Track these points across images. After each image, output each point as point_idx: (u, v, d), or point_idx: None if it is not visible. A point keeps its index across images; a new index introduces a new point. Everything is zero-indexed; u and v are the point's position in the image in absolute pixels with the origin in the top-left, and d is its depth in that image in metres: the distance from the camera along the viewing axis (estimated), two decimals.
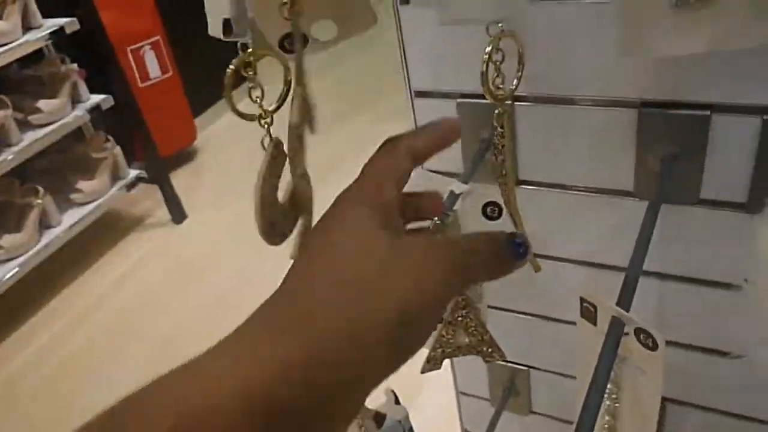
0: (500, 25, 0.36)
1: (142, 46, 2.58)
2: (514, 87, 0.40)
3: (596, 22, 0.55)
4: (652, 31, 0.45)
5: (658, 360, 0.42)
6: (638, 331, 0.42)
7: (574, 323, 0.73)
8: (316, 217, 0.33)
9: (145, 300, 2.22)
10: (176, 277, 2.30)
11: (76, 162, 2.32)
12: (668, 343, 0.66)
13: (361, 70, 3.08)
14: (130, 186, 2.41)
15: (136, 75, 2.58)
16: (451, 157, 0.67)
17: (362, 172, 0.32)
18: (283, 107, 0.38)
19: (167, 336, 2.04)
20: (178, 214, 2.54)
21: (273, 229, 0.38)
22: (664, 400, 0.71)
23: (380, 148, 0.33)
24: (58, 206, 2.20)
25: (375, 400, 0.48)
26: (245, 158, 2.98)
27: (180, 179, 2.64)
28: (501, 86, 0.40)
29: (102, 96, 2.26)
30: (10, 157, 1.98)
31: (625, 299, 0.45)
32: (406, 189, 0.34)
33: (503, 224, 0.56)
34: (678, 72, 0.54)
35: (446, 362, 0.59)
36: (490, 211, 0.57)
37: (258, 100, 0.35)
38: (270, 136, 0.36)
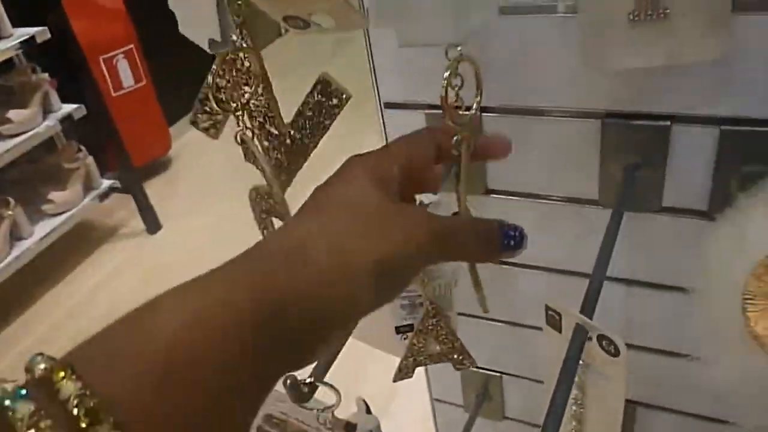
0: (459, 48, 0.36)
1: (116, 55, 2.56)
2: (473, 111, 0.39)
3: (561, 35, 0.56)
4: (611, 45, 0.46)
5: (620, 366, 0.43)
6: (601, 338, 0.43)
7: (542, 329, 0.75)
8: None
9: (119, 311, 2.18)
10: (150, 287, 2.27)
11: (48, 172, 2.28)
12: (634, 346, 0.68)
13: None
14: (103, 196, 2.38)
15: (109, 84, 2.56)
16: None
17: (386, 144, 0.36)
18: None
19: None
20: (152, 224, 2.52)
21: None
22: (632, 403, 0.72)
23: (417, 131, 0.37)
24: (30, 217, 2.16)
25: (345, 409, 0.49)
26: (220, 167, 2.98)
27: (155, 188, 2.61)
28: (461, 110, 0.40)
29: (74, 106, 2.24)
30: None
31: (589, 305, 0.46)
32: None
33: None
34: (640, 84, 0.56)
35: (419, 370, 0.59)
36: None
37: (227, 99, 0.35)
38: (243, 131, 0.37)
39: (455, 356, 0.64)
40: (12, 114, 2.08)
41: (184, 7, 0.35)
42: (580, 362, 0.44)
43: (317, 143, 0.43)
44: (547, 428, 0.38)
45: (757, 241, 0.41)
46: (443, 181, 0.64)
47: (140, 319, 0.26)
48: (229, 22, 0.34)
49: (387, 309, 0.61)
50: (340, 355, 0.48)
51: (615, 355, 0.42)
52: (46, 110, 2.19)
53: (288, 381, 0.42)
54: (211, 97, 0.35)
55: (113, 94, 2.56)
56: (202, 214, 2.59)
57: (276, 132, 0.39)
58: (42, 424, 0.19)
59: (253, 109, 0.38)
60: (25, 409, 0.19)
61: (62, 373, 0.21)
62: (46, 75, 2.18)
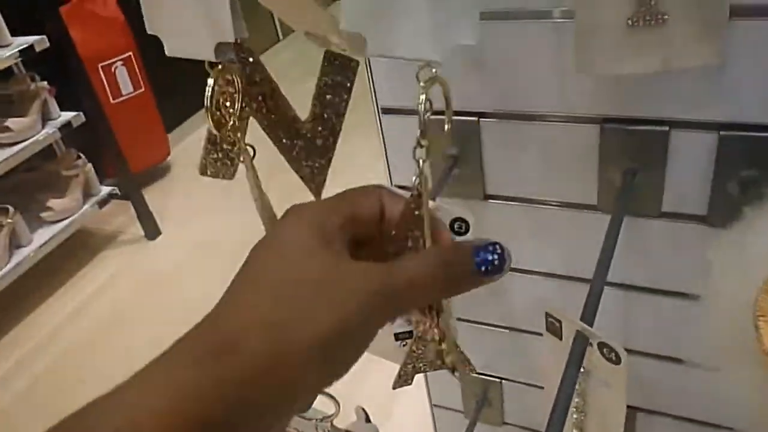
0: (434, 70, 0.32)
1: (114, 63, 2.56)
2: (447, 127, 0.36)
3: (558, 40, 0.56)
4: (607, 50, 0.46)
5: (621, 373, 0.42)
6: (601, 346, 0.43)
7: (540, 334, 0.74)
8: None
9: (119, 317, 2.19)
10: (149, 293, 2.28)
11: (47, 180, 2.28)
12: (633, 351, 0.67)
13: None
14: (103, 203, 2.38)
15: (108, 91, 2.56)
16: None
17: (334, 195, 0.33)
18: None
19: (139, 354, 2.00)
20: (151, 230, 2.52)
21: None
22: (632, 408, 0.72)
23: (368, 186, 0.33)
24: (29, 225, 2.16)
25: (345, 419, 0.48)
26: None
27: (153, 195, 2.61)
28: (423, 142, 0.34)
29: (73, 113, 2.24)
30: None
31: (589, 311, 0.46)
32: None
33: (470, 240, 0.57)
34: (638, 89, 0.56)
35: (419, 376, 0.59)
36: (458, 227, 0.58)
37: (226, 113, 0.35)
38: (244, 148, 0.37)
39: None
40: (11, 122, 2.08)
41: (168, 27, 0.35)
42: (581, 370, 0.44)
43: (341, 127, 0.42)
44: None
45: (765, 254, 0.41)
46: (443, 184, 0.64)
47: (77, 427, 0.25)
48: (237, 20, 0.33)
49: None
50: None
51: (616, 363, 0.42)
52: (45, 118, 2.20)
53: None
54: (210, 122, 0.35)
55: (112, 102, 2.57)
56: (201, 220, 2.59)
57: (297, 133, 0.39)
58: None
59: (262, 117, 0.38)
60: None
61: None
62: (45, 83, 2.18)
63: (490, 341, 0.78)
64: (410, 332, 0.62)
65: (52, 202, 2.23)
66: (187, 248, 2.46)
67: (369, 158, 1.43)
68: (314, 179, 0.45)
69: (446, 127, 0.35)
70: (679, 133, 0.55)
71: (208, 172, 0.44)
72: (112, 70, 2.57)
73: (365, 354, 0.59)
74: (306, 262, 0.28)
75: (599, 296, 0.47)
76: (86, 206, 2.32)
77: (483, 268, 0.30)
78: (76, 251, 2.44)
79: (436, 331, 0.48)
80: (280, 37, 4.09)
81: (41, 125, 2.17)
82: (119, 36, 2.58)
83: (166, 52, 0.35)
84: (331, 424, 0.46)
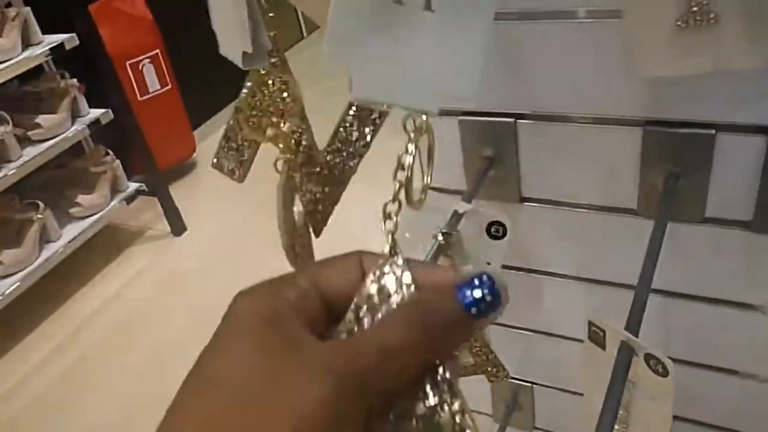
0: (424, 117, 0.28)
1: (142, 61, 2.58)
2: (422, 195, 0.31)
3: (599, 41, 0.55)
4: (656, 52, 0.45)
5: (668, 386, 0.41)
6: (648, 357, 0.41)
7: (576, 340, 0.73)
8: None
9: (145, 312, 2.21)
10: (176, 289, 2.30)
11: (76, 176, 2.31)
12: (674, 360, 0.66)
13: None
14: (130, 199, 2.40)
15: (135, 89, 2.58)
16: (454, 175, 0.67)
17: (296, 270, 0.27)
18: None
19: (165, 349, 2.03)
20: (177, 227, 2.54)
21: (293, 251, 0.38)
22: (677, 419, 0.70)
23: (346, 254, 0.28)
24: (58, 220, 2.19)
25: None
26: None
27: (179, 191, 2.63)
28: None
29: (101, 111, 2.26)
30: (10, 173, 1.98)
31: (634, 320, 0.45)
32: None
33: (508, 244, 0.56)
34: (683, 91, 0.54)
35: None
36: (494, 230, 0.57)
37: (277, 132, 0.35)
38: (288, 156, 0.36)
39: (489, 368, 0.63)
40: (41, 119, 2.11)
41: (223, 28, 0.34)
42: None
43: (357, 166, 0.41)
44: None
45: None
46: (479, 186, 0.63)
47: None
48: (259, 32, 0.33)
49: None
50: None
51: (663, 375, 0.41)
52: (75, 115, 2.22)
53: None
54: (242, 122, 0.35)
55: (139, 99, 2.59)
56: (227, 216, 2.61)
57: (312, 161, 0.39)
58: None
59: (288, 135, 0.37)
60: None
61: None
62: (75, 81, 2.21)
63: (523, 345, 0.77)
64: None
65: (81, 198, 2.26)
66: (213, 244, 2.48)
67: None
68: (318, 209, 0.43)
69: (428, 175, 0.30)
70: (725, 136, 0.54)
71: (224, 169, 0.43)
72: (140, 67, 2.59)
73: None
74: (251, 360, 0.23)
75: (644, 304, 0.46)
76: (114, 202, 2.35)
77: (473, 310, 0.24)
78: (103, 247, 2.47)
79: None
80: (304, 34, 4.10)
81: (71, 122, 2.20)
82: (147, 34, 2.60)
83: (220, 51, 0.35)
84: None
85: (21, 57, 2.01)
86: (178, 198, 2.53)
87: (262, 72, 0.35)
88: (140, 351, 2.05)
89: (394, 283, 0.26)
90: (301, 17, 3.97)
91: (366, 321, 0.25)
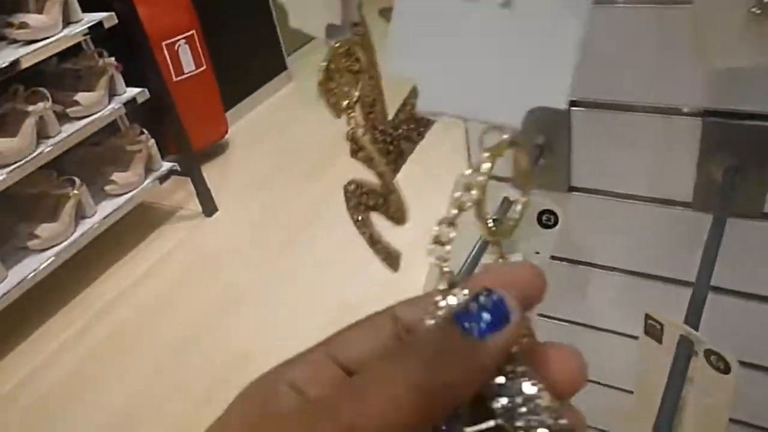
0: (505, 136, 0.23)
1: (177, 41, 2.60)
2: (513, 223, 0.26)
3: (660, 27, 0.53)
4: (728, 40, 0.43)
5: (728, 383, 0.40)
6: (708, 353, 0.40)
7: (622, 334, 0.72)
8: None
9: (175, 292, 2.24)
10: (206, 268, 2.32)
11: (111, 154, 2.34)
12: None
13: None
14: (163, 178, 2.43)
15: (171, 69, 2.60)
16: (504, 161, 0.66)
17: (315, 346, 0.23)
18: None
19: (194, 329, 2.06)
20: (209, 207, 2.56)
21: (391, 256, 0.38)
22: (732, 421, 0.69)
23: (376, 313, 0.24)
24: (93, 197, 2.23)
25: None
26: (275, 153, 3.00)
27: (211, 172, 2.66)
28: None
29: (137, 89, 2.28)
30: (48, 149, 2.01)
31: (692, 316, 0.43)
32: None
33: (559, 233, 0.55)
34: (745, 81, 0.52)
35: None
36: (546, 219, 0.56)
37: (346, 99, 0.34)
38: (355, 129, 0.35)
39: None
40: (79, 97, 2.14)
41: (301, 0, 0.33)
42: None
43: (412, 149, 0.41)
44: None
45: None
46: (532, 175, 0.62)
47: None
48: (348, 3, 0.32)
49: None
50: None
51: (724, 372, 0.40)
52: (111, 93, 2.25)
53: None
54: (321, 93, 0.34)
55: (174, 79, 2.61)
56: (257, 198, 2.63)
57: (380, 130, 0.38)
58: None
59: (364, 104, 0.36)
60: None
61: None
62: (113, 59, 2.23)
63: (566, 338, 0.76)
64: None
65: (116, 176, 2.29)
66: (243, 226, 2.50)
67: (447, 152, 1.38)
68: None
69: (519, 209, 0.25)
70: None
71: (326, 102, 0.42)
72: (176, 48, 2.61)
73: None
74: None
75: (703, 301, 0.44)
76: (147, 181, 2.38)
77: (477, 334, 0.20)
78: (136, 225, 2.50)
79: None
80: None
81: (108, 100, 2.22)
82: (183, 14, 2.61)
83: (289, 24, 0.34)
84: None
85: (61, 35, 2.04)
86: (209, 179, 2.55)
87: (342, 44, 0.34)
88: (169, 330, 2.08)
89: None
90: None
91: None
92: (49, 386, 1.94)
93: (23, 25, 1.96)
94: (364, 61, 0.34)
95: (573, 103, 0.60)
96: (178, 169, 2.47)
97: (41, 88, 2.04)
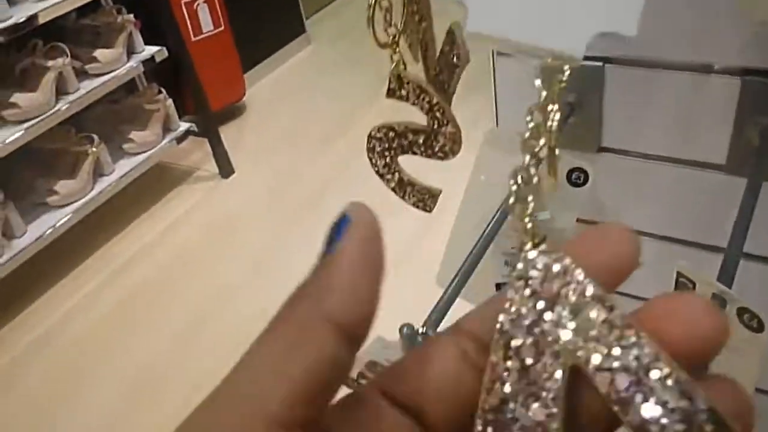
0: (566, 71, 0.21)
1: (197, 0, 2.57)
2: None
3: None
4: None
5: (761, 341, 0.40)
6: (742, 311, 0.40)
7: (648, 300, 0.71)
8: None
9: (191, 253, 2.25)
10: (221, 230, 2.34)
11: (130, 113, 2.34)
12: None
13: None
14: (180, 139, 2.43)
15: (189, 28, 2.58)
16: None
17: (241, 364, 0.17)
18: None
19: (210, 291, 2.07)
20: (226, 169, 2.56)
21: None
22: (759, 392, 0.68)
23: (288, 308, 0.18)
24: (111, 155, 2.24)
25: None
26: (292, 115, 2.98)
27: (228, 134, 2.65)
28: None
29: (156, 48, 2.27)
30: (66, 106, 2.01)
31: (725, 276, 0.43)
32: None
33: (588, 191, 0.54)
34: None
35: None
36: (575, 177, 0.55)
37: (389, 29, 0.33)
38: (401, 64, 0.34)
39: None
40: (98, 53, 2.13)
41: None
42: None
43: (453, 92, 0.40)
44: None
45: None
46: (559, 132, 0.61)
47: None
48: None
49: (489, 264, 0.59)
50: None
51: (757, 331, 0.39)
52: (130, 51, 2.23)
53: (405, 329, 0.41)
54: (370, 27, 0.33)
55: (193, 39, 2.59)
56: (274, 160, 2.62)
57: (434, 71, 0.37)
58: None
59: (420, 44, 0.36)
60: None
61: None
62: (131, 16, 2.21)
63: None
64: None
65: (134, 135, 2.29)
66: (260, 188, 2.50)
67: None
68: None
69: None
70: None
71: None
72: (195, 7, 2.58)
73: (460, 301, 0.57)
74: None
75: (736, 264, 0.44)
76: (165, 141, 2.38)
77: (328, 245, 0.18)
78: (153, 185, 2.51)
79: None
80: None
81: (126, 58, 2.21)
82: None
83: None
84: None
85: None
86: (226, 141, 2.55)
87: None
88: (187, 290, 2.10)
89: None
90: None
91: None
92: (66, 344, 1.97)
93: None
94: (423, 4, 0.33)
95: (606, 60, 0.58)
96: (196, 129, 2.47)
97: (60, 44, 2.03)
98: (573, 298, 0.17)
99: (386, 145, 0.41)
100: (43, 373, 1.89)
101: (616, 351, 0.16)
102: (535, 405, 0.16)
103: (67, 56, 2.02)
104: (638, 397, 0.15)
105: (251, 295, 1.98)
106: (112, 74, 2.15)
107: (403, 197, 0.42)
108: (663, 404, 0.15)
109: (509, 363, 0.17)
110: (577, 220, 0.69)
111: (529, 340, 0.17)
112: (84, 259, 2.24)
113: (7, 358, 1.93)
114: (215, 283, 2.10)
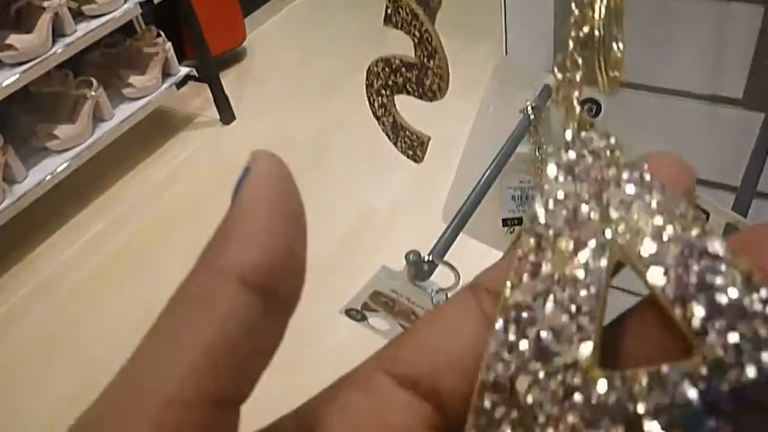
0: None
1: None
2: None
3: None
4: None
5: None
6: None
7: None
8: None
9: (193, 200, 2.25)
10: (223, 177, 2.32)
11: (128, 56, 2.30)
12: None
13: None
14: (181, 84, 2.39)
15: None
16: (543, 50, 0.62)
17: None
18: None
19: (208, 238, 2.07)
20: (227, 115, 2.53)
21: None
22: None
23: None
24: (111, 100, 2.20)
25: None
26: (293, 61, 2.93)
27: (229, 79, 2.61)
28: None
29: None
30: (62, 49, 1.97)
31: (738, 213, 0.41)
32: None
33: (601, 124, 0.52)
34: None
35: None
36: (588, 109, 0.53)
37: None
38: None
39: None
40: None
41: None
42: None
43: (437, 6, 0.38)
44: None
45: None
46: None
47: None
48: None
49: (495, 201, 0.58)
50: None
51: None
52: None
53: (411, 255, 0.40)
54: None
55: None
56: (277, 107, 2.59)
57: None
58: None
59: None
60: None
61: None
62: None
63: None
64: (520, 219, 0.59)
65: (133, 79, 2.25)
66: (261, 136, 2.47)
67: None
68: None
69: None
70: None
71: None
72: None
73: (462, 237, 0.56)
74: None
75: (748, 205, 0.42)
76: (165, 85, 2.34)
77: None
78: (153, 131, 2.48)
79: None
80: None
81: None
82: None
83: None
84: (447, 296, 0.44)
85: None
86: (227, 87, 2.51)
87: None
88: (188, 235, 2.10)
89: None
90: None
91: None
92: (67, 291, 1.98)
93: None
94: None
95: None
96: (196, 74, 2.43)
97: None
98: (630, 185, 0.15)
99: (383, 82, 0.40)
100: (44, 319, 1.91)
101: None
102: (571, 299, 0.14)
103: None
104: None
105: None
106: (110, 15, 2.10)
107: (395, 143, 0.41)
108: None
109: (541, 255, 0.14)
110: None
111: (567, 231, 0.14)
112: (85, 205, 2.24)
113: (8, 304, 1.95)
114: (213, 229, 2.09)
